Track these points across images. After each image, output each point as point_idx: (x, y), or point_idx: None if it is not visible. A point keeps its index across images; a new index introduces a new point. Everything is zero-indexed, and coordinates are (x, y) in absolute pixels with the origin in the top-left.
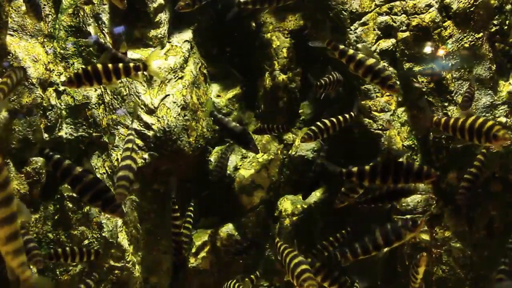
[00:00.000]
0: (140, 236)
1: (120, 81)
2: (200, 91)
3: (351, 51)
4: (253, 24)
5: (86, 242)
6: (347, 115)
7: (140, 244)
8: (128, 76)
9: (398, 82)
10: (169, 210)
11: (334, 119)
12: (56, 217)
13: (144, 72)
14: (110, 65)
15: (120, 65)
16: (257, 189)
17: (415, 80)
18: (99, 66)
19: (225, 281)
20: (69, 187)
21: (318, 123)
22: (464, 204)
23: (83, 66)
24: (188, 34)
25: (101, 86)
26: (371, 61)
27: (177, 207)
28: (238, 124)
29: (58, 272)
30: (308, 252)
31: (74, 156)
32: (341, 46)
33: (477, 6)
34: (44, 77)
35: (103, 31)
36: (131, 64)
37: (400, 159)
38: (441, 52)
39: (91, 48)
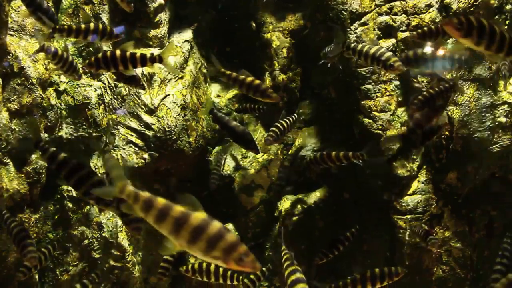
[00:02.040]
0: (140, 236)
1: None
2: (200, 91)
3: (359, 46)
4: (253, 24)
5: (86, 242)
6: (291, 118)
7: (140, 244)
8: (143, 66)
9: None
10: None
11: (285, 122)
12: (56, 217)
13: (159, 64)
14: (127, 53)
15: (138, 54)
16: (257, 189)
17: (415, 80)
18: (118, 52)
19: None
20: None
21: (277, 124)
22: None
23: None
24: (188, 34)
25: (101, 86)
26: (372, 49)
27: None
28: (239, 124)
29: (58, 272)
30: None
31: (74, 156)
32: (352, 45)
33: (477, 6)
34: (44, 77)
35: None
36: (148, 55)
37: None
38: (441, 52)
39: (90, 48)
